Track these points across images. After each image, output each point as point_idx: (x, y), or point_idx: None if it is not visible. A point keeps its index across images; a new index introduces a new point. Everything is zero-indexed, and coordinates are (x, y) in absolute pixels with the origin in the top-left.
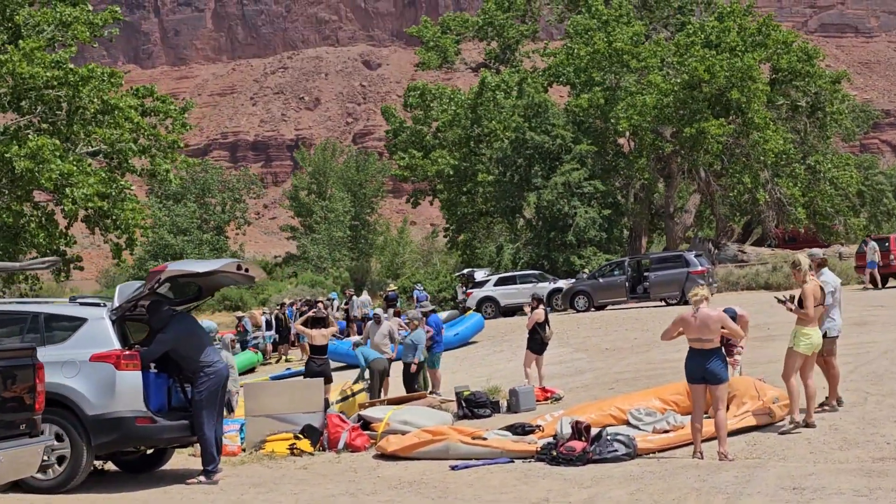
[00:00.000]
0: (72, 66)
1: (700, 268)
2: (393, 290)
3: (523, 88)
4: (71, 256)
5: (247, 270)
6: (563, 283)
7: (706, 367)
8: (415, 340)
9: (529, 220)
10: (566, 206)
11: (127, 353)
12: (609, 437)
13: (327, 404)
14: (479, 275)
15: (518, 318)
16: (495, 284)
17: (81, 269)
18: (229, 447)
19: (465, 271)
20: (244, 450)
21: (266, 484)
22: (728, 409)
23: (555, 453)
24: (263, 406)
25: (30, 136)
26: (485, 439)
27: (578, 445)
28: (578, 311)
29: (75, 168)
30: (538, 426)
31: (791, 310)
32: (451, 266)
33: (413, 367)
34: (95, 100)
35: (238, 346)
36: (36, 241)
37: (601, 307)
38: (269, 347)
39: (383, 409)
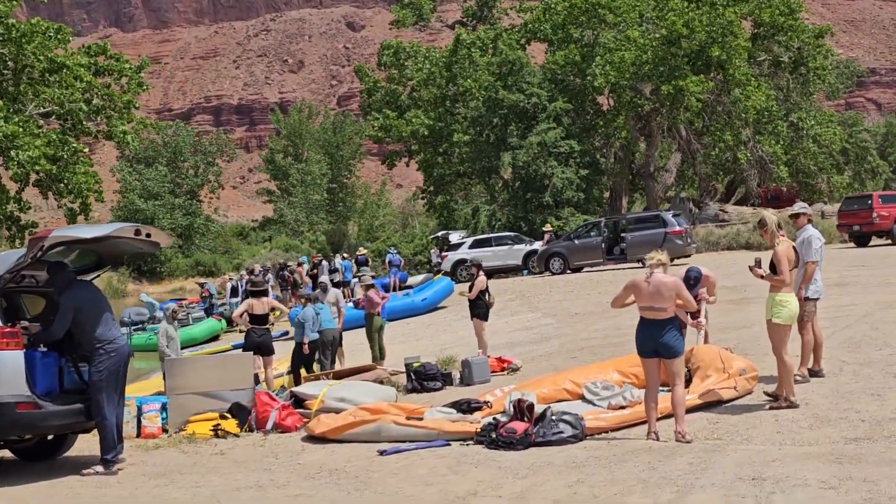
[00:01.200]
0: (13, 21)
1: (678, 228)
2: (363, 254)
3: (498, 46)
4: (25, 223)
5: (148, 236)
6: (538, 245)
7: (659, 339)
8: (302, 319)
9: (506, 180)
10: (543, 167)
11: (7, 330)
12: (554, 418)
13: (257, 380)
14: (454, 237)
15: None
16: (470, 247)
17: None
18: (148, 429)
19: (441, 234)
20: (166, 431)
21: (169, 474)
22: (691, 381)
23: (494, 435)
24: (188, 382)
25: None
26: (421, 419)
27: (520, 427)
28: (554, 274)
29: (20, 130)
30: (486, 402)
31: (762, 276)
32: (430, 229)
33: (305, 348)
34: (42, 57)
35: (203, 312)
36: None
37: (577, 269)
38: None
39: (319, 384)
